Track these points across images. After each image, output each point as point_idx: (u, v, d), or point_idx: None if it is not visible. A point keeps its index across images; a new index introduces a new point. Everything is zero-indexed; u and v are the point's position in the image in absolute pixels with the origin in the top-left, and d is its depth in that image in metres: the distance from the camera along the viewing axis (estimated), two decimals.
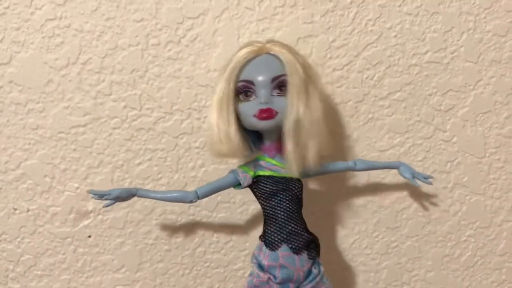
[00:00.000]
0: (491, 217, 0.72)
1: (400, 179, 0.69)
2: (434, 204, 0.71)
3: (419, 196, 0.70)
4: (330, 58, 0.66)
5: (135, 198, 0.64)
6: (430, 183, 0.62)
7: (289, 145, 0.53)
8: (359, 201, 0.70)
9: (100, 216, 0.67)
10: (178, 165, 0.66)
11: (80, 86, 0.64)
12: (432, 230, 0.71)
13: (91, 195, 0.55)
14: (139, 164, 0.66)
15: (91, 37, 0.63)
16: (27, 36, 0.62)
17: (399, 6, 0.65)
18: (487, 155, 0.70)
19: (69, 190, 0.66)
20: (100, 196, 0.55)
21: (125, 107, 0.65)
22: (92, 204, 0.66)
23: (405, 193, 0.70)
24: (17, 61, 0.62)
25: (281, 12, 0.64)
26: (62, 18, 0.62)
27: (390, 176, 0.69)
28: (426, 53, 0.67)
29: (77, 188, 0.66)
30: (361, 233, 0.71)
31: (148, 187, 0.66)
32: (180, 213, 0.67)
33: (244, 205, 0.68)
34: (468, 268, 0.73)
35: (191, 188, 0.66)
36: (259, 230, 0.68)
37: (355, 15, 0.65)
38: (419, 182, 0.62)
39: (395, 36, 0.66)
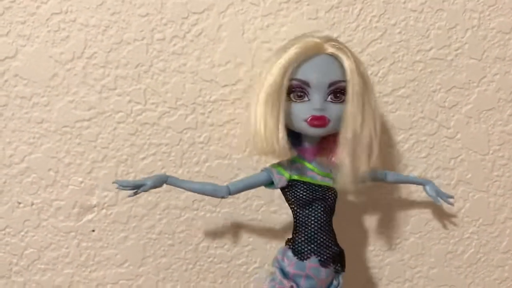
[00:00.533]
0: (494, 214, 0.72)
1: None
2: None
3: (422, 193, 0.70)
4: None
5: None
6: (451, 204, 0.64)
7: (346, 158, 0.51)
8: (363, 197, 0.70)
9: (104, 211, 0.67)
10: (182, 160, 0.67)
11: (85, 80, 0.64)
12: (435, 226, 0.71)
13: (120, 187, 0.51)
14: (143, 158, 0.66)
15: (96, 32, 0.63)
16: (33, 30, 0.62)
17: (404, 2, 0.66)
18: (490, 152, 0.70)
19: (73, 184, 0.66)
20: (136, 187, 0.51)
21: (129, 101, 0.65)
22: (96, 198, 0.66)
23: (408, 189, 0.70)
24: (22, 54, 0.63)
25: (286, 8, 0.64)
26: (68, 12, 0.62)
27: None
28: (430, 49, 0.67)
29: (81, 182, 0.66)
30: (363, 230, 0.71)
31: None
32: (184, 208, 0.68)
33: (248, 200, 0.68)
34: (471, 265, 0.73)
35: None
36: (262, 226, 0.69)
37: (359, 11, 0.65)
38: (441, 201, 0.63)
39: (400, 32, 0.66)
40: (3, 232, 0.66)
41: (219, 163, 0.67)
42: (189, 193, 0.66)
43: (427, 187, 0.63)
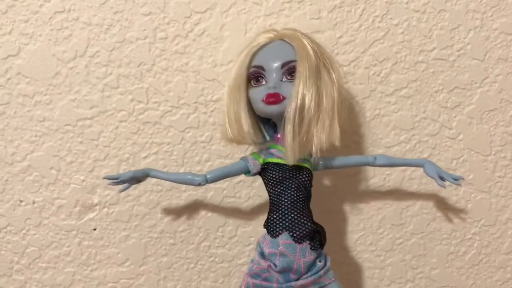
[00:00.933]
0: (496, 215, 0.72)
1: (405, 175, 0.69)
2: (439, 201, 0.70)
3: (424, 193, 0.70)
4: (337, 54, 0.66)
5: (143, 190, 0.64)
6: (460, 185, 0.59)
7: (287, 131, 0.52)
8: (364, 197, 0.70)
9: (105, 209, 0.67)
10: (184, 159, 0.67)
11: (87, 78, 0.64)
12: (437, 227, 0.71)
13: (108, 182, 0.56)
14: (145, 157, 0.66)
15: (99, 30, 0.63)
16: (36, 28, 0.62)
17: (406, 3, 0.66)
18: (492, 153, 0.70)
19: (75, 183, 0.66)
20: (115, 179, 0.56)
21: (132, 100, 0.65)
22: (98, 197, 0.66)
23: (410, 189, 0.70)
24: (25, 53, 0.63)
25: (289, 8, 0.64)
26: (71, 10, 0.62)
27: (396, 173, 0.69)
28: (432, 50, 0.67)
29: (83, 180, 0.66)
30: (366, 230, 0.71)
31: (153, 180, 0.66)
32: (186, 207, 0.68)
33: (250, 199, 0.68)
34: (473, 266, 0.73)
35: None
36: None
37: (362, 11, 0.65)
38: (446, 183, 0.59)
39: (402, 32, 0.66)
40: (4, 230, 0.66)
41: (220, 162, 0.67)
42: (191, 192, 0.66)
43: (426, 167, 0.59)
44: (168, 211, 0.67)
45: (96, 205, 0.67)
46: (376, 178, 0.69)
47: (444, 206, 0.71)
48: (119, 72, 0.64)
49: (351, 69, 0.66)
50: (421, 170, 0.68)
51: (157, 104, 0.65)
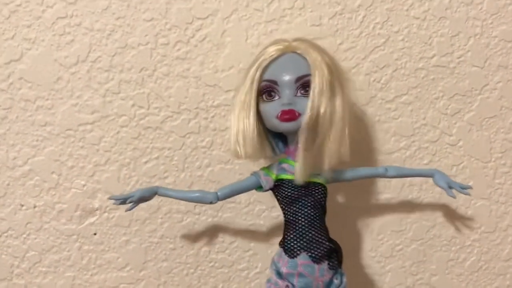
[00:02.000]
0: (496, 222, 0.72)
1: (405, 182, 0.69)
2: (439, 208, 0.70)
3: (424, 199, 0.70)
4: (338, 60, 0.66)
5: None
6: (468, 194, 0.59)
7: (301, 145, 0.51)
8: (364, 203, 0.70)
9: (106, 214, 0.67)
10: (185, 164, 0.67)
11: (89, 84, 0.64)
12: (437, 234, 0.71)
13: (113, 202, 0.55)
14: (146, 162, 0.66)
15: (101, 36, 0.63)
16: (38, 33, 0.63)
17: (407, 10, 0.66)
18: (492, 159, 0.70)
19: (75, 187, 0.66)
20: (123, 200, 0.54)
21: (133, 105, 0.65)
22: (98, 201, 0.67)
23: (410, 196, 0.70)
24: (27, 58, 0.63)
25: (290, 14, 0.65)
26: (73, 16, 0.63)
27: (395, 179, 0.69)
28: (433, 57, 0.67)
29: (84, 185, 0.66)
30: (365, 236, 0.71)
31: (154, 185, 0.66)
32: (186, 212, 0.68)
33: (250, 205, 0.68)
34: (472, 272, 0.73)
35: (196, 187, 0.67)
36: (264, 231, 0.69)
37: (363, 18, 0.66)
38: (455, 193, 0.59)
39: (402, 39, 0.66)
40: (5, 234, 0.66)
41: (221, 168, 0.67)
42: None
43: (436, 177, 0.60)
44: (168, 216, 0.68)
45: (97, 209, 0.67)
46: (376, 184, 0.69)
47: (444, 212, 0.71)
48: (120, 78, 0.64)
49: (351, 76, 0.66)
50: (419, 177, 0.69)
51: (158, 109, 0.65)
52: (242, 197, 0.68)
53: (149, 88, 0.65)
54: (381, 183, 0.69)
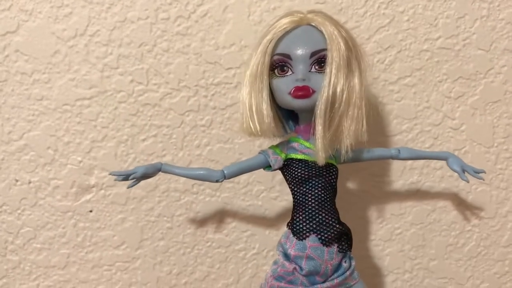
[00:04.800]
0: (496, 208, 0.71)
1: (406, 165, 0.68)
2: (440, 192, 0.70)
3: (424, 183, 0.69)
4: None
5: None
6: (481, 178, 0.58)
7: (318, 126, 0.48)
8: (363, 186, 0.69)
9: (102, 191, 0.66)
10: (183, 142, 0.66)
11: (87, 58, 0.63)
12: (436, 218, 0.71)
13: (114, 178, 0.51)
14: (144, 140, 0.65)
15: (100, 9, 0.62)
16: (36, 5, 0.61)
17: None
18: (495, 144, 0.69)
19: (71, 164, 0.65)
20: (126, 176, 0.51)
21: (131, 81, 0.64)
22: (95, 178, 0.66)
23: (410, 179, 0.69)
24: (24, 30, 0.62)
25: None
26: None
27: (396, 162, 0.68)
28: (438, 38, 0.66)
29: (80, 161, 0.65)
30: (364, 219, 0.70)
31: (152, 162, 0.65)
32: (184, 191, 0.67)
33: (248, 185, 0.67)
34: (471, 258, 0.72)
35: (195, 166, 0.66)
36: (262, 212, 0.68)
37: None
38: (468, 177, 0.57)
39: (408, 20, 0.65)
40: None
41: (220, 147, 0.66)
42: None
43: (450, 161, 0.58)
44: (166, 194, 0.67)
45: (93, 186, 0.66)
46: (376, 167, 0.68)
47: (444, 197, 0.70)
48: (119, 52, 0.63)
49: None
50: (421, 160, 0.68)
51: (157, 86, 0.64)
52: (241, 177, 0.67)
53: (148, 64, 0.63)
54: (381, 165, 0.68)
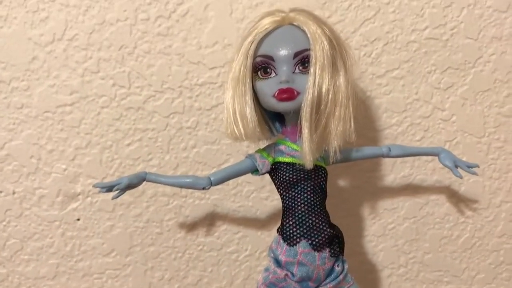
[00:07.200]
0: (489, 198, 0.70)
1: (397, 159, 0.67)
2: (432, 185, 0.69)
3: (416, 176, 0.68)
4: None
5: None
6: (475, 173, 0.56)
7: (305, 129, 0.47)
8: (355, 182, 0.68)
9: (89, 199, 0.65)
10: (169, 145, 0.64)
11: (66, 63, 0.61)
12: (429, 211, 0.70)
13: (98, 189, 0.50)
14: (129, 144, 0.64)
15: (77, 12, 0.60)
16: (10, 10, 0.59)
17: None
18: (486, 134, 0.68)
19: (56, 172, 0.64)
20: (109, 188, 0.49)
21: (113, 85, 0.62)
22: (80, 186, 0.64)
23: (402, 173, 0.68)
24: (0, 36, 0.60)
25: None
26: None
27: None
28: (425, 29, 0.65)
29: (65, 169, 0.64)
30: (357, 215, 0.69)
31: (138, 168, 0.64)
32: (172, 195, 0.65)
33: (238, 186, 0.66)
34: (466, 250, 0.72)
35: (182, 169, 0.65)
36: (253, 213, 0.67)
37: None
38: (461, 172, 0.56)
39: (393, 11, 0.64)
40: None
41: (207, 149, 0.65)
42: None
43: (442, 156, 0.56)
44: (154, 199, 0.65)
45: (79, 194, 0.65)
46: (367, 163, 0.67)
47: (437, 189, 0.69)
48: (99, 56, 0.61)
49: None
50: None
51: (140, 88, 0.63)
52: None
53: (130, 66, 0.62)
54: (372, 160, 0.67)
